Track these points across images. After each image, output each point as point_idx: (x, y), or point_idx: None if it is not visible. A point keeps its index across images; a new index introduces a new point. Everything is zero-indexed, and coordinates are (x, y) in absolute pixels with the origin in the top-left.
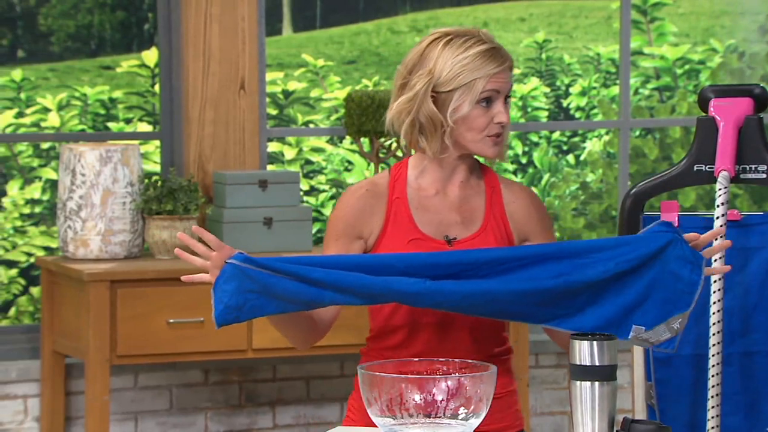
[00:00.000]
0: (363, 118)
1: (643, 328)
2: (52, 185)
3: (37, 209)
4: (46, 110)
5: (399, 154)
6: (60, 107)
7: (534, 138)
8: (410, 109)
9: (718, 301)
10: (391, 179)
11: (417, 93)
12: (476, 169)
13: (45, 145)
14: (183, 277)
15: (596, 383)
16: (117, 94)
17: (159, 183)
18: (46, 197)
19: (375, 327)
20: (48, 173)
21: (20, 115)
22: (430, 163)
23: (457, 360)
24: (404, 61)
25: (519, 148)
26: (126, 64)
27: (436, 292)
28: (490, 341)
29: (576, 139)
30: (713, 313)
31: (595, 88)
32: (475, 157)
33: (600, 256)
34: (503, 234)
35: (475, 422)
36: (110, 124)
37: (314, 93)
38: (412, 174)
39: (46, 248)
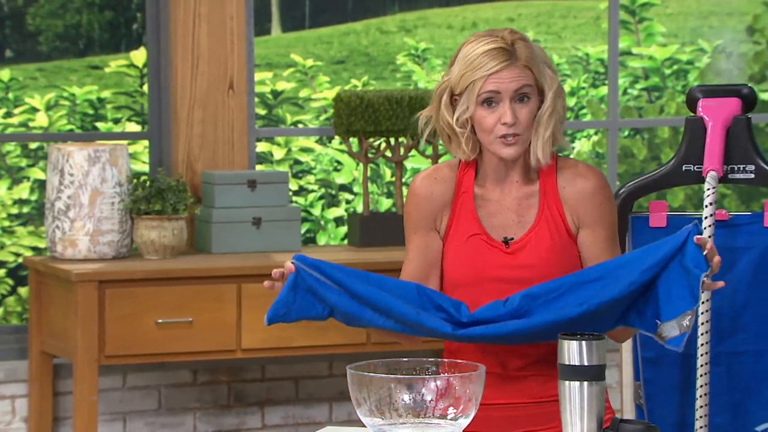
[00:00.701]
0: (352, 118)
1: (658, 321)
2: (41, 185)
3: (25, 209)
4: (35, 110)
5: (388, 154)
6: (48, 107)
7: None
8: (431, 116)
9: (707, 301)
10: (460, 171)
11: (433, 98)
12: (531, 171)
13: (33, 145)
14: (265, 284)
15: (585, 383)
16: (105, 94)
17: (147, 183)
18: (34, 197)
19: None
20: (36, 173)
21: (8, 115)
22: (488, 164)
23: (446, 360)
24: None
25: None
26: (114, 63)
27: (464, 337)
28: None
29: (565, 138)
30: (701, 313)
31: (584, 88)
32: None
33: (623, 272)
34: (558, 223)
35: (464, 422)
36: (98, 124)
37: (303, 93)
38: (480, 171)
39: (34, 248)
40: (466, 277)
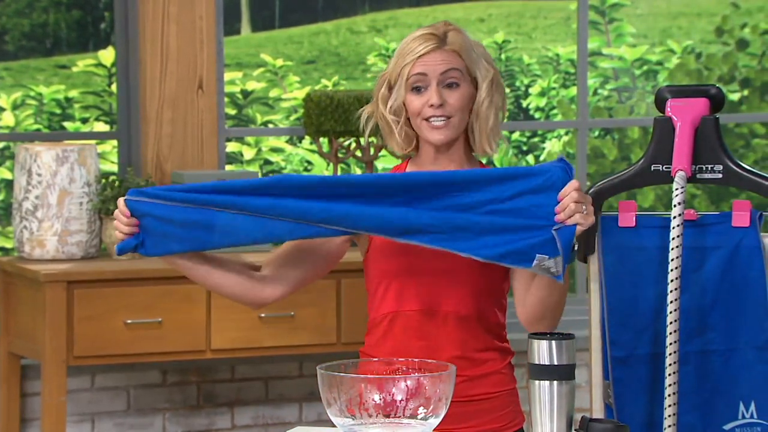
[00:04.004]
0: (322, 118)
1: (546, 256)
2: (8, 185)
3: None
4: (1, 109)
5: (358, 154)
6: (15, 106)
7: None
8: (371, 113)
9: (675, 300)
10: (393, 171)
11: (374, 94)
12: (471, 165)
13: (0, 145)
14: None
15: (555, 383)
16: (73, 93)
17: (116, 183)
18: (1, 197)
19: (369, 321)
20: (3, 173)
21: None
22: (425, 158)
23: (416, 360)
24: None
25: None
26: (82, 63)
27: (324, 210)
28: (480, 336)
29: (536, 139)
30: (670, 312)
31: (554, 88)
32: (474, 154)
33: (482, 195)
34: None
35: (434, 422)
36: (66, 124)
37: (273, 93)
38: (412, 167)
39: (2, 249)
40: (398, 268)
